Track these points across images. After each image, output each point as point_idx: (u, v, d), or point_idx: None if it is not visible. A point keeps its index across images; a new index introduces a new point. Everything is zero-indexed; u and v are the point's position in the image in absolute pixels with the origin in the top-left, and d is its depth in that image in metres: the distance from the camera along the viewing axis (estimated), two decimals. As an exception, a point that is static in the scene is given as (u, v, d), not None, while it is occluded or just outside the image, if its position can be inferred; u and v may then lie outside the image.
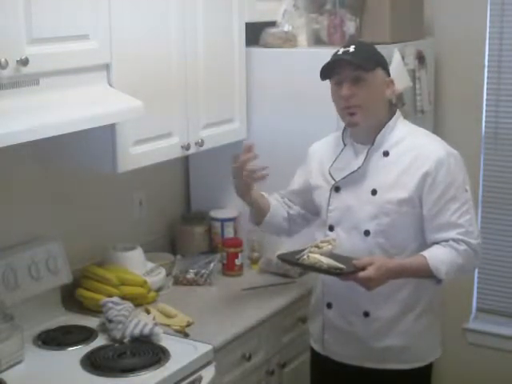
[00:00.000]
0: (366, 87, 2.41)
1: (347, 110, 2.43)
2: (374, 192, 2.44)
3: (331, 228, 2.52)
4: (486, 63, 3.60)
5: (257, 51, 3.17)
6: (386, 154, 2.46)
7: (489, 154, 3.68)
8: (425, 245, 2.43)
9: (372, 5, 3.22)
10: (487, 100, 3.64)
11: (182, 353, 2.47)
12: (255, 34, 3.21)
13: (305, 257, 2.44)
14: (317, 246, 2.47)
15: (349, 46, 2.43)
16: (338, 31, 3.23)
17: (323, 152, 2.62)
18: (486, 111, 3.66)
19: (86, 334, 2.60)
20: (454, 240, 2.39)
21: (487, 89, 3.63)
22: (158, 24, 2.68)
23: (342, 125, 2.55)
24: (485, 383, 3.81)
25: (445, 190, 2.39)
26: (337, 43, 3.21)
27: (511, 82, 3.59)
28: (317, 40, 3.30)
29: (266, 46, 3.19)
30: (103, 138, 2.57)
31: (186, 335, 2.60)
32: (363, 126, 2.45)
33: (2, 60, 2.06)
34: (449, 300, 3.85)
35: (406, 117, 3.29)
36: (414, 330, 2.49)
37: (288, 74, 3.11)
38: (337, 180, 2.50)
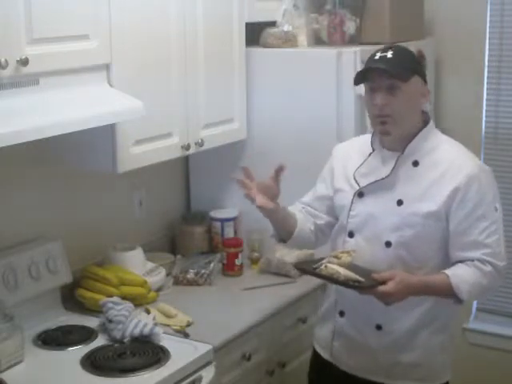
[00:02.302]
0: (401, 97, 2.30)
1: (379, 119, 2.33)
2: (399, 202, 2.35)
3: (351, 234, 2.43)
4: (486, 63, 3.61)
5: (257, 51, 3.17)
6: (415, 163, 2.37)
7: (489, 154, 3.68)
8: (448, 261, 2.36)
9: (372, 5, 3.22)
10: (487, 100, 3.64)
11: (181, 353, 2.47)
12: (255, 33, 3.21)
13: (322, 267, 2.35)
14: (336, 257, 2.38)
15: (387, 51, 2.32)
16: (338, 31, 3.23)
17: (348, 154, 2.52)
18: (486, 111, 3.66)
19: (86, 334, 2.60)
20: (479, 260, 2.31)
21: (487, 89, 3.63)
22: (157, 25, 2.68)
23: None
24: (485, 383, 3.81)
25: (474, 208, 2.31)
26: (337, 43, 3.21)
27: (511, 82, 3.59)
28: (317, 40, 3.30)
29: (265, 45, 3.19)
30: (103, 138, 2.57)
31: (186, 335, 2.60)
32: (395, 135, 2.36)
33: (2, 60, 2.07)
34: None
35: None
36: (426, 348, 2.41)
37: (288, 74, 3.11)
38: (361, 185, 2.41)
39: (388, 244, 2.37)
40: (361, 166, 2.45)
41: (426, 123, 2.41)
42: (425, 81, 2.39)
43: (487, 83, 3.63)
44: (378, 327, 2.42)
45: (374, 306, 2.33)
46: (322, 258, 2.40)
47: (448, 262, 2.36)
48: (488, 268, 2.32)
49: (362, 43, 3.20)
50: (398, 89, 2.30)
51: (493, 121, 3.65)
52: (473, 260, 2.32)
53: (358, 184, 2.42)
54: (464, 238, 2.33)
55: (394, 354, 2.42)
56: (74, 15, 2.31)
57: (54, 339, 2.58)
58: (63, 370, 2.40)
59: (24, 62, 2.13)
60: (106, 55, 2.46)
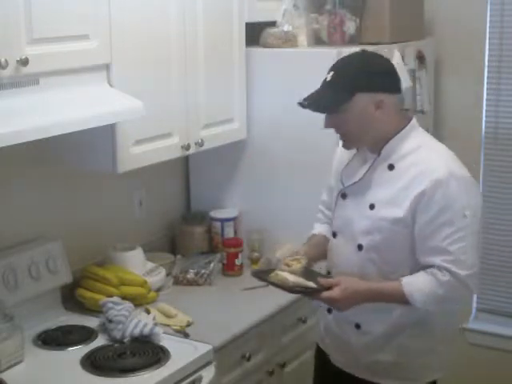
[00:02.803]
0: (345, 118, 2.28)
1: (339, 136, 2.37)
2: (372, 206, 2.33)
3: (334, 234, 2.45)
4: (486, 63, 3.61)
5: (257, 51, 3.17)
6: (391, 167, 2.32)
7: (489, 154, 3.68)
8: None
9: (372, 5, 3.22)
10: (487, 100, 3.64)
11: (181, 353, 2.47)
12: (255, 33, 3.20)
13: (273, 274, 2.43)
14: (287, 264, 2.46)
15: (330, 71, 2.31)
16: (338, 31, 3.23)
17: (343, 151, 2.49)
18: (486, 111, 3.66)
19: (86, 334, 2.60)
20: (438, 267, 2.24)
21: (487, 89, 3.63)
22: (157, 24, 2.68)
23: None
24: (485, 383, 3.81)
25: (438, 213, 2.23)
26: (337, 43, 3.21)
27: (511, 82, 3.59)
28: (317, 40, 3.30)
29: (265, 45, 3.19)
30: (103, 138, 2.57)
31: (186, 335, 2.60)
32: (360, 146, 2.37)
33: (2, 60, 2.06)
34: (449, 300, 3.85)
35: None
36: (406, 349, 2.38)
37: (288, 74, 3.11)
38: (344, 186, 2.42)
39: (360, 247, 2.36)
40: (347, 165, 2.45)
41: (409, 121, 2.36)
42: (378, 90, 2.28)
43: (487, 83, 3.62)
44: (357, 326, 2.42)
45: None
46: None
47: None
48: (445, 277, 2.24)
49: (361, 43, 3.20)
50: (340, 112, 2.28)
51: (493, 121, 3.65)
52: (433, 266, 2.25)
53: (343, 184, 2.42)
54: (428, 243, 2.26)
55: (373, 353, 2.41)
56: (74, 15, 2.31)
57: (54, 339, 2.58)
58: (63, 370, 2.40)
59: (24, 62, 2.13)
60: (105, 55, 2.46)
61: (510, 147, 3.63)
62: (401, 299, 2.28)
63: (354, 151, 2.43)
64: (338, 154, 2.54)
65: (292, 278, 2.39)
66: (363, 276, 2.35)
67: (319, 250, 2.55)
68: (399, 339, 2.38)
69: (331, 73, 2.30)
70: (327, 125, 2.33)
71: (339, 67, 2.32)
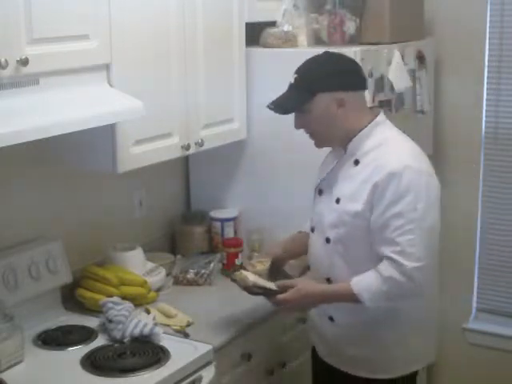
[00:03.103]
0: (310, 118, 2.39)
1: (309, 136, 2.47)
2: (337, 200, 2.40)
3: (312, 230, 2.53)
4: (486, 63, 3.61)
5: (257, 51, 3.17)
6: (356, 162, 2.39)
7: (489, 154, 3.68)
8: None
9: (372, 5, 3.22)
10: (487, 100, 3.64)
11: (181, 353, 2.47)
12: (255, 33, 3.20)
13: (238, 273, 2.53)
14: (252, 265, 2.61)
15: (294, 75, 2.41)
16: (338, 31, 3.23)
17: (328, 151, 2.60)
18: (486, 111, 3.66)
19: (86, 334, 2.60)
20: (386, 258, 2.29)
21: (487, 89, 3.63)
22: (157, 24, 2.68)
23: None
24: (485, 383, 3.81)
25: (390, 205, 2.28)
26: (337, 43, 3.21)
27: (511, 82, 3.59)
28: (317, 40, 3.30)
29: (265, 45, 3.19)
30: (103, 138, 2.57)
31: (185, 335, 2.60)
32: (331, 145, 2.49)
33: (2, 60, 2.06)
34: (449, 300, 3.86)
35: (406, 117, 3.31)
36: (378, 341, 2.44)
37: (288, 74, 3.10)
38: (318, 183, 2.52)
39: (328, 240, 2.44)
40: (322, 163, 2.56)
41: (375, 118, 2.43)
42: (341, 88, 2.36)
43: (487, 83, 3.62)
44: (331, 319, 2.48)
45: None
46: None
47: None
48: (387, 273, 2.28)
49: (361, 43, 3.20)
50: (304, 112, 2.39)
51: (493, 121, 3.65)
52: (384, 257, 2.30)
53: (319, 179, 2.52)
54: (379, 234, 2.31)
55: (347, 345, 2.47)
56: (74, 15, 2.31)
57: (54, 339, 2.58)
58: (63, 370, 2.40)
59: (24, 62, 2.13)
60: (105, 55, 2.46)
61: (510, 147, 3.63)
62: (352, 299, 2.33)
63: (330, 148, 2.53)
64: (326, 150, 2.61)
65: (252, 278, 2.50)
66: (332, 269, 2.43)
67: (298, 246, 2.66)
68: (371, 331, 2.43)
69: (295, 75, 2.41)
70: (296, 125, 2.45)
71: (301, 69, 2.42)
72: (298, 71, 2.41)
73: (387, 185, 2.29)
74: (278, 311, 2.55)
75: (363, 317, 2.41)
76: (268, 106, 2.46)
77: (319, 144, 2.48)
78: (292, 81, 2.41)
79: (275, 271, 2.65)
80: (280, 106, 2.43)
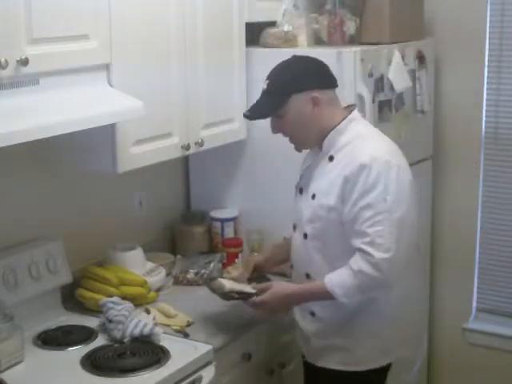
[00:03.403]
0: (287, 121, 2.44)
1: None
2: (313, 196, 2.46)
3: (294, 227, 2.58)
4: (486, 63, 3.60)
5: (257, 51, 3.17)
6: (331, 158, 2.44)
7: (489, 154, 3.68)
8: None
9: (372, 5, 3.22)
10: (487, 100, 3.64)
11: (182, 353, 2.47)
12: (255, 33, 3.20)
13: (215, 281, 2.64)
14: (228, 272, 2.73)
15: (266, 81, 2.46)
16: (338, 31, 3.23)
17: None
18: (486, 111, 3.65)
19: (85, 334, 2.60)
20: (357, 250, 2.33)
21: (487, 89, 3.63)
22: (157, 24, 2.67)
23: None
24: (485, 383, 3.81)
25: (360, 197, 2.33)
26: (337, 43, 3.21)
27: (511, 82, 3.59)
28: (317, 40, 3.29)
29: (265, 46, 3.19)
30: (103, 138, 2.57)
31: (185, 335, 2.60)
32: (307, 147, 2.53)
33: (2, 60, 2.06)
34: (449, 300, 3.86)
35: (406, 117, 3.32)
36: (353, 334, 2.49)
37: (288, 74, 3.11)
38: (298, 181, 2.57)
39: (305, 236, 2.49)
40: (303, 162, 2.61)
41: (348, 114, 2.47)
42: (313, 85, 2.41)
43: (487, 83, 3.62)
44: (312, 314, 2.53)
45: None
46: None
47: None
48: (356, 266, 2.32)
49: (362, 43, 3.20)
50: (279, 116, 2.44)
51: (493, 121, 3.65)
52: (356, 249, 2.33)
53: (300, 178, 2.58)
54: (351, 226, 2.35)
55: (325, 338, 2.53)
56: (73, 15, 2.31)
57: (54, 339, 2.58)
58: (63, 370, 2.40)
59: (24, 62, 2.13)
60: (105, 55, 2.46)
61: (510, 147, 3.63)
62: (327, 296, 2.38)
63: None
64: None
65: (229, 285, 2.59)
66: (311, 264, 2.47)
67: (281, 253, 2.74)
68: (345, 323, 2.47)
69: (267, 81, 2.46)
70: (273, 130, 2.51)
71: (273, 74, 2.48)
72: (270, 77, 2.47)
73: (357, 177, 2.33)
74: (257, 316, 2.59)
75: (343, 309, 2.45)
76: (244, 114, 2.54)
77: (298, 147, 2.53)
78: (264, 87, 2.46)
79: (257, 278, 2.71)
80: (255, 112, 2.50)
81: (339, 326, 2.50)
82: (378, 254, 2.30)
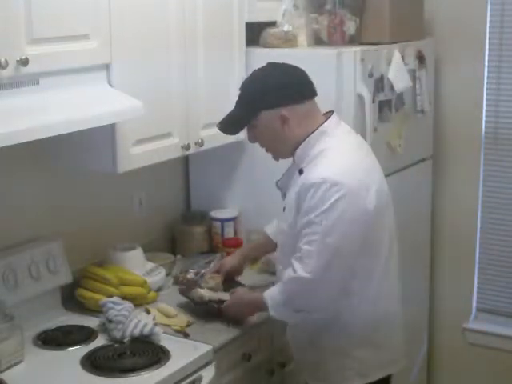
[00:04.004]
0: (259, 132, 2.44)
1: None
2: (284, 209, 2.47)
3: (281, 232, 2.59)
4: (486, 63, 3.61)
5: (257, 51, 3.17)
6: (300, 172, 2.39)
7: (489, 154, 3.68)
8: None
9: (372, 5, 3.22)
10: (487, 100, 3.64)
11: (182, 353, 2.47)
12: (255, 33, 3.20)
13: (194, 291, 2.71)
14: (205, 282, 2.77)
15: (239, 90, 2.45)
16: (337, 31, 3.23)
17: None
18: (486, 111, 3.66)
19: (85, 334, 2.60)
20: (291, 263, 2.34)
21: (487, 89, 3.63)
22: (157, 24, 2.67)
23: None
24: (485, 383, 3.81)
25: (304, 214, 2.31)
26: (337, 43, 3.21)
27: (511, 82, 3.59)
28: (317, 40, 3.30)
29: (265, 46, 3.19)
30: (103, 138, 2.57)
31: (185, 335, 2.60)
32: (283, 158, 2.51)
33: (2, 60, 2.06)
34: (449, 300, 3.86)
35: (406, 117, 3.32)
36: (327, 350, 2.47)
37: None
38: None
39: (276, 245, 2.57)
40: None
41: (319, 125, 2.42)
42: (279, 104, 2.37)
43: (487, 83, 3.62)
44: (286, 326, 2.60)
45: None
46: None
47: None
48: (284, 279, 2.36)
49: (362, 43, 3.20)
50: (252, 127, 2.44)
51: (493, 121, 3.65)
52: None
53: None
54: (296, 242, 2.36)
55: (301, 351, 2.56)
56: (73, 15, 2.31)
57: (53, 339, 2.58)
58: (63, 369, 2.40)
59: (24, 62, 2.13)
60: (105, 55, 2.46)
61: (510, 147, 3.63)
62: (265, 308, 2.44)
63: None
64: None
65: (208, 294, 2.69)
66: (280, 274, 2.48)
67: (257, 253, 2.94)
68: (317, 339, 2.47)
69: (239, 92, 2.44)
70: (249, 140, 2.53)
71: (245, 86, 2.46)
72: (242, 87, 2.45)
73: (305, 194, 2.31)
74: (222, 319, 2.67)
75: (313, 324, 2.45)
76: (217, 126, 2.54)
77: (275, 157, 2.53)
78: (237, 98, 2.45)
79: (229, 283, 2.80)
80: (225, 125, 2.50)
81: (309, 341, 2.50)
82: (300, 272, 2.30)
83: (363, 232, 2.32)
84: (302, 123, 2.39)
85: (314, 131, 2.39)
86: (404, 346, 2.60)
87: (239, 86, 2.48)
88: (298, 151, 2.41)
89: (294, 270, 2.32)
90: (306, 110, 2.41)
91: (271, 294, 2.42)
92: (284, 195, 2.53)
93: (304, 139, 2.39)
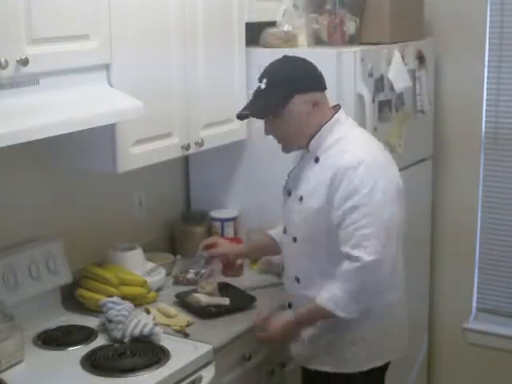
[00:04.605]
0: (283, 121, 2.42)
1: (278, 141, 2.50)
2: (300, 198, 2.45)
3: (285, 230, 2.58)
4: (486, 63, 3.61)
5: (257, 51, 3.17)
6: (316, 160, 2.44)
7: (489, 154, 3.68)
8: None
9: (372, 5, 3.22)
10: (487, 100, 3.64)
11: (181, 353, 2.47)
12: (255, 33, 3.20)
13: (190, 296, 2.75)
14: (202, 287, 2.81)
15: (262, 79, 2.42)
16: (337, 31, 3.23)
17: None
18: (486, 111, 3.66)
19: (86, 334, 2.60)
20: (345, 255, 2.30)
21: (487, 89, 3.63)
22: (158, 24, 2.68)
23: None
24: (485, 383, 3.81)
25: (345, 199, 2.30)
26: (337, 43, 3.21)
27: (511, 82, 3.59)
28: (317, 40, 3.30)
29: (265, 46, 3.19)
30: (103, 138, 2.57)
31: (185, 335, 2.60)
32: (296, 148, 2.50)
33: (2, 60, 2.06)
34: (449, 300, 3.86)
35: (406, 117, 3.32)
36: (339, 337, 2.49)
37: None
38: (286, 183, 2.56)
39: (294, 239, 2.49)
40: (292, 162, 2.58)
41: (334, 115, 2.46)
42: (313, 88, 2.42)
43: (487, 83, 3.62)
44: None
45: (297, 296, 2.53)
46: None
47: None
48: (343, 274, 2.30)
49: (362, 43, 3.20)
50: (277, 117, 2.41)
51: (493, 121, 3.65)
52: (344, 255, 2.31)
53: (286, 182, 2.57)
54: (339, 230, 2.33)
55: (314, 342, 2.53)
56: (73, 15, 2.31)
57: (53, 339, 2.58)
58: (63, 370, 2.40)
59: (24, 62, 2.13)
60: (105, 55, 2.46)
61: (510, 147, 3.63)
62: (325, 315, 2.37)
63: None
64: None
65: (205, 299, 2.72)
66: (300, 268, 2.50)
67: (260, 251, 2.90)
68: (336, 327, 2.45)
69: (264, 80, 2.41)
70: (267, 131, 2.48)
71: (271, 74, 2.43)
72: (267, 76, 2.42)
73: (341, 180, 2.31)
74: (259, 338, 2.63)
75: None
76: (240, 115, 2.50)
77: (288, 148, 2.51)
78: (262, 86, 2.41)
79: (224, 287, 2.86)
80: (256, 112, 2.46)
81: (329, 329, 2.48)
82: (365, 257, 2.27)
83: (400, 208, 2.38)
84: (324, 111, 2.46)
85: (330, 120, 2.45)
86: (408, 332, 2.66)
87: (263, 76, 2.43)
88: (314, 141, 2.44)
89: (356, 259, 2.27)
90: (325, 99, 2.49)
91: (330, 297, 2.33)
92: (288, 192, 2.53)
93: (320, 127, 2.44)
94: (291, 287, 2.59)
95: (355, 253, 2.28)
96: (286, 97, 2.39)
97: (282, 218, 2.61)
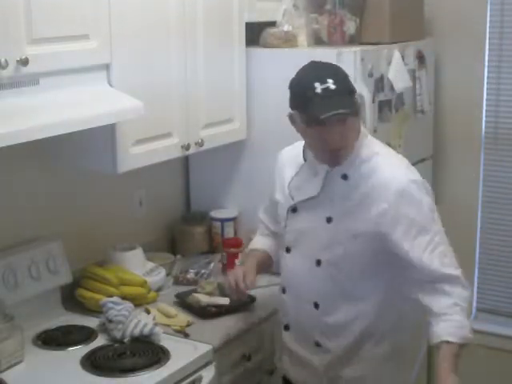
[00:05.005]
0: (352, 124, 2.19)
1: (333, 152, 2.20)
2: (329, 220, 2.26)
3: (288, 250, 2.40)
4: (486, 63, 3.61)
5: (257, 51, 3.17)
6: (344, 177, 2.24)
7: (489, 154, 3.68)
8: (389, 283, 2.29)
9: (372, 5, 3.22)
10: (487, 100, 3.65)
11: (182, 353, 2.47)
12: (255, 33, 3.20)
13: (190, 296, 2.76)
14: (202, 287, 2.82)
15: (325, 81, 2.13)
16: (337, 31, 3.23)
17: (287, 162, 2.46)
18: (486, 111, 3.66)
19: (86, 334, 2.60)
20: (441, 278, 2.20)
21: (487, 89, 3.63)
22: (157, 24, 2.68)
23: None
24: (485, 383, 3.81)
25: (411, 223, 2.18)
26: (337, 43, 3.21)
27: (511, 82, 3.59)
28: (317, 40, 3.30)
29: (265, 46, 3.19)
30: (103, 138, 2.57)
31: (185, 335, 2.60)
32: (345, 159, 2.25)
33: (2, 60, 2.07)
34: (449, 300, 3.85)
35: (406, 117, 3.32)
36: (370, 359, 2.35)
37: (288, 74, 3.10)
38: (295, 200, 2.35)
39: (318, 262, 2.30)
40: (293, 177, 2.39)
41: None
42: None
43: (487, 83, 3.63)
44: (317, 344, 2.38)
45: (312, 322, 2.35)
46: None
47: (390, 284, 2.29)
48: (454, 298, 2.26)
49: (362, 43, 3.20)
50: (350, 120, 2.17)
51: (493, 121, 3.65)
52: (427, 282, 2.20)
53: (293, 198, 2.36)
54: (409, 257, 2.19)
55: (336, 369, 2.37)
56: (73, 15, 2.31)
57: (53, 339, 2.58)
58: (63, 369, 2.40)
59: (24, 62, 2.13)
60: (105, 55, 2.46)
61: (510, 147, 3.63)
62: (462, 350, 2.29)
63: (299, 164, 2.38)
64: (281, 164, 2.50)
65: (205, 299, 2.72)
66: (321, 293, 2.32)
67: (262, 268, 2.65)
68: (363, 350, 2.35)
69: (330, 80, 2.13)
70: (339, 135, 2.17)
71: (335, 74, 2.18)
72: (331, 76, 2.15)
73: (399, 204, 2.18)
74: None
75: (352, 338, 2.33)
76: (328, 117, 2.10)
77: (343, 158, 2.23)
78: (331, 86, 2.12)
79: (224, 287, 2.75)
80: (352, 107, 2.17)
81: (350, 356, 2.35)
82: (459, 273, 2.21)
83: None
84: None
85: (359, 136, 2.26)
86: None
87: (325, 75, 2.15)
88: (354, 152, 2.23)
89: (456, 278, 2.21)
90: None
91: (457, 327, 2.33)
92: (294, 209, 2.36)
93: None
94: (304, 313, 2.38)
95: (451, 272, 2.21)
96: (354, 98, 2.20)
97: (286, 237, 2.41)
